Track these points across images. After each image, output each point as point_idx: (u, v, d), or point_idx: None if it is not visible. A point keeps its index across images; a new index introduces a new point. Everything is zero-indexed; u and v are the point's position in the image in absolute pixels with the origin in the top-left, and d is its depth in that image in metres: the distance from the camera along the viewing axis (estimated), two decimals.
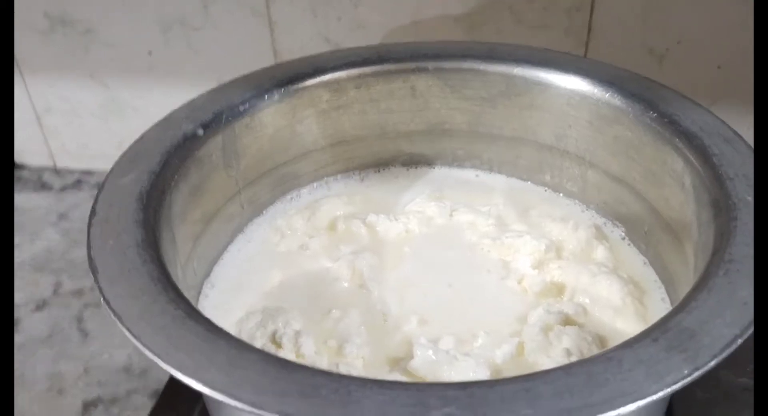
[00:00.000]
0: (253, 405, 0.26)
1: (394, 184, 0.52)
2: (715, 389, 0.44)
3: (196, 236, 0.43)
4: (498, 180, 0.52)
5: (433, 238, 0.47)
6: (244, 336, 0.40)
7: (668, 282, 0.42)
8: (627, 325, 0.41)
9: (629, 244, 0.46)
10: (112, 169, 0.39)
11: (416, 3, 0.61)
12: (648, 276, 0.44)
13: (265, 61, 0.67)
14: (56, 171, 0.79)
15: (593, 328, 0.40)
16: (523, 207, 0.49)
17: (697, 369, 0.27)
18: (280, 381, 0.27)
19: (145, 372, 0.56)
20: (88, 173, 0.79)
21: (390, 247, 0.47)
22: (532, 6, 0.60)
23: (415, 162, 0.53)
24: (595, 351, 0.39)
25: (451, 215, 0.49)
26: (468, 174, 0.52)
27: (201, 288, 0.44)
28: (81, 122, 0.75)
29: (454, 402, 0.26)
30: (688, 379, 0.27)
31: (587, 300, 0.42)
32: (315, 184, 0.51)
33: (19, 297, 0.64)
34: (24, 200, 0.76)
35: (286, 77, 0.46)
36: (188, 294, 0.40)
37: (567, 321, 0.41)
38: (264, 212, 0.49)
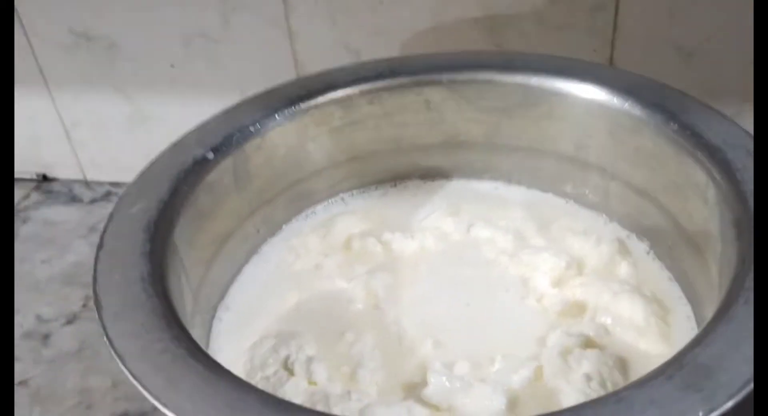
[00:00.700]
0: None
1: (410, 199, 0.51)
2: None
3: (209, 260, 0.42)
4: (517, 192, 0.50)
5: (449, 255, 0.46)
6: (257, 362, 0.40)
7: (694, 299, 0.41)
8: (650, 346, 0.39)
9: (654, 259, 0.44)
10: (121, 198, 0.39)
11: (435, 7, 0.60)
12: (673, 293, 0.42)
13: (286, 71, 0.66)
14: (86, 183, 0.80)
15: (615, 350, 0.39)
16: (543, 220, 0.48)
17: (713, 410, 0.26)
18: None
19: None
20: (117, 185, 0.79)
21: (406, 265, 0.46)
22: (554, 6, 0.58)
23: (432, 175, 0.52)
24: (617, 375, 0.38)
25: (468, 231, 0.47)
26: (486, 186, 0.51)
27: (216, 311, 0.44)
28: (108, 135, 0.76)
29: None
30: None
31: (609, 320, 0.40)
32: (331, 201, 0.51)
33: (49, 311, 0.65)
34: (54, 213, 0.77)
35: (297, 95, 0.46)
36: (201, 318, 0.40)
37: (588, 343, 0.40)
38: (280, 231, 0.49)
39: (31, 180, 0.81)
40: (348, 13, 0.61)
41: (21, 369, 0.59)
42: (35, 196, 0.80)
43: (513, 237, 0.46)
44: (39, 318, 0.64)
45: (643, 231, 0.45)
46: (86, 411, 0.56)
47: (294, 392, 0.38)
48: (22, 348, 0.61)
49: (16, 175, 0.81)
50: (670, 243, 0.43)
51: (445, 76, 0.47)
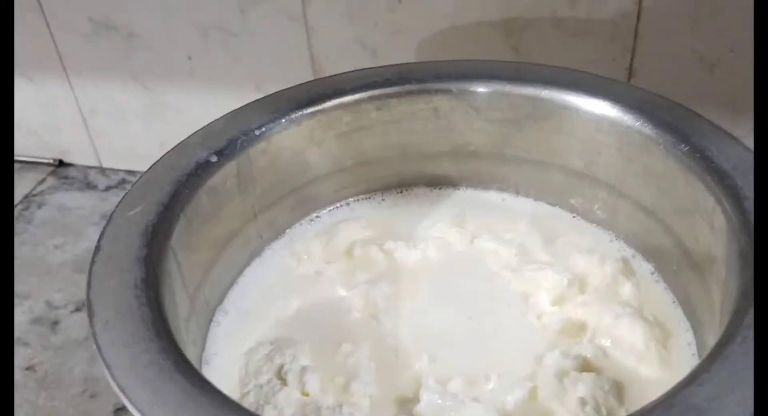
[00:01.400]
0: None
1: (416, 206, 0.50)
2: None
3: (209, 263, 0.42)
4: (524, 204, 0.50)
5: (452, 267, 0.46)
6: (251, 369, 0.40)
7: (696, 325, 0.40)
8: (649, 372, 0.39)
9: (658, 281, 0.44)
10: (121, 201, 0.39)
11: (454, 8, 0.59)
12: (676, 317, 0.41)
13: (302, 66, 0.66)
14: (102, 170, 0.81)
15: (612, 374, 0.38)
16: (548, 234, 0.47)
17: None
18: None
19: None
20: (133, 173, 0.80)
21: (407, 275, 0.45)
22: (575, 11, 0.57)
23: (440, 183, 0.51)
24: (612, 400, 0.37)
25: (472, 242, 0.47)
26: (493, 197, 0.50)
27: (214, 314, 0.44)
28: (125, 123, 0.76)
29: None
30: None
31: (608, 343, 0.40)
32: (336, 206, 0.51)
33: (59, 298, 0.66)
34: (69, 199, 0.78)
35: (305, 99, 0.45)
36: (198, 321, 0.40)
37: (585, 365, 0.39)
38: (283, 235, 0.49)
39: (48, 164, 0.82)
40: (366, 11, 0.61)
41: (29, 354, 0.60)
42: (51, 181, 0.80)
43: (517, 251, 0.46)
44: (49, 304, 0.65)
45: (648, 252, 0.45)
46: (90, 400, 0.57)
47: (285, 402, 0.38)
48: (31, 333, 0.62)
49: (33, 159, 0.82)
50: (675, 266, 0.42)
51: (455, 85, 0.46)
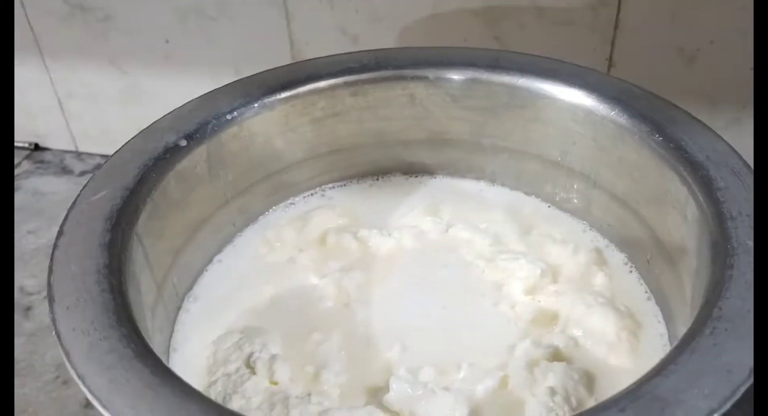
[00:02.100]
0: None
1: (391, 194, 0.50)
2: None
3: (177, 250, 0.42)
4: (500, 193, 0.49)
5: (426, 255, 0.45)
6: (220, 357, 0.39)
7: (668, 315, 0.40)
8: (619, 362, 0.38)
9: (631, 271, 0.43)
10: (86, 185, 0.38)
11: None
12: (647, 308, 0.41)
13: (282, 51, 0.65)
14: (78, 155, 0.80)
15: (583, 364, 0.38)
16: (523, 224, 0.47)
17: None
18: None
19: None
20: (106, 160, 0.79)
21: (380, 264, 0.45)
22: (555, 1, 0.56)
23: (416, 171, 0.51)
24: (582, 390, 0.37)
25: (447, 231, 0.47)
26: (469, 185, 0.50)
27: (183, 301, 0.43)
28: (101, 107, 0.75)
29: None
30: None
31: (580, 333, 0.40)
32: (310, 193, 0.50)
33: (32, 284, 0.65)
34: (44, 184, 0.77)
35: (278, 84, 0.45)
36: (166, 308, 0.40)
37: (556, 355, 0.39)
38: (256, 221, 0.48)
39: (23, 148, 0.81)
40: None
41: None
42: (26, 165, 0.79)
43: (492, 241, 0.45)
44: (22, 291, 0.64)
45: (622, 242, 0.44)
46: (63, 387, 0.56)
47: (254, 391, 0.37)
48: None
49: None
50: (648, 256, 0.42)
51: (432, 72, 0.45)
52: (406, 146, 0.49)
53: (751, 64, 0.55)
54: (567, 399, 0.36)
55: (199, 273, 0.45)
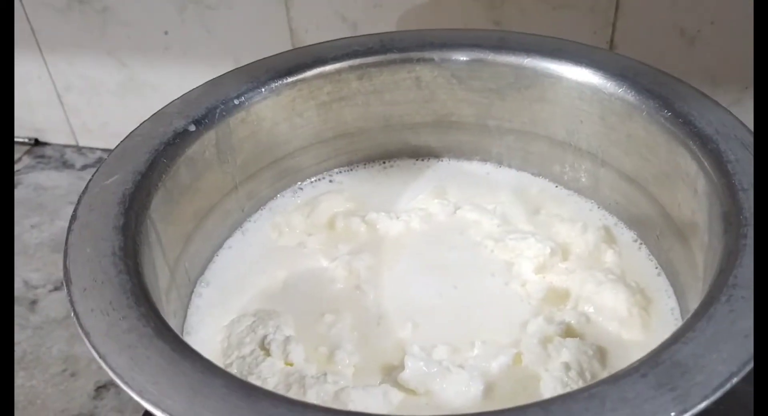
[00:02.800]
0: None
1: (398, 178, 0.50)
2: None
3: (188, 235, 0.42)
4: (507, 174, 0.49)
5: (434, 237, 0.46)
6: (234, 340, 0.39)
7: (679, 291, 0.40)
8: (631, 337, 0.39)
9: (641, 248, 0.44)
10: (97, 170, 0.38)
11: None
12: (658, 284, 0.41)
13: (281, 40, 0.65)
14: (78, 149, 0.80)
15: (595, 340, 0.39)
16: (531, 205, 0.47)
17: (685, 411, 0.25)
18: (242, 411, 0.26)
19: None
20: (109, 152, 0.78)
21: (389, 246, 0.45)
22: None
23: (422, 154, 0.51)
24: (596, 365, 0.37)
25: (454, 213, 0.47)
26: (476, 168, 0.50)
27: (195, 286, 0.43)
28: (101, 100, 0.75)
29: None
30: None
31: (591, 310, 0.40)
32: (318, 178, 0.50)
33: (36, 277, 0.65)
34: (46, 178, 0.76)
35: (284, 69, 0.45)
36: (179, 293, 0.40)
37: (568, 331, 0.39)
38: (264, 207, 0.48)
39: (23, 144, 0.81)
40: None
41: None
42: (27, 161, 0.79)
43: (500, 221, 0.46)
44: (26, 284, 0.64)
45: (631, 220, 0.45)
46: (71, 379, 0.56)
47: (269, 372, 0.37)
48: None
49: None
50: (657, 232, 0.42)
51: (437, 54, 0.45)
52: (412, 129, 0.49)
53: (752, 45, 0.55)
54: (581, 374, 0.36)
55: (210, 258, 0.45)
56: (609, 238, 0.44)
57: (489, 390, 0.37)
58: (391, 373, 0.38)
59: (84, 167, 0.77)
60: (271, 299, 0.42)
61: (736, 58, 0.56)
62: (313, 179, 0.50)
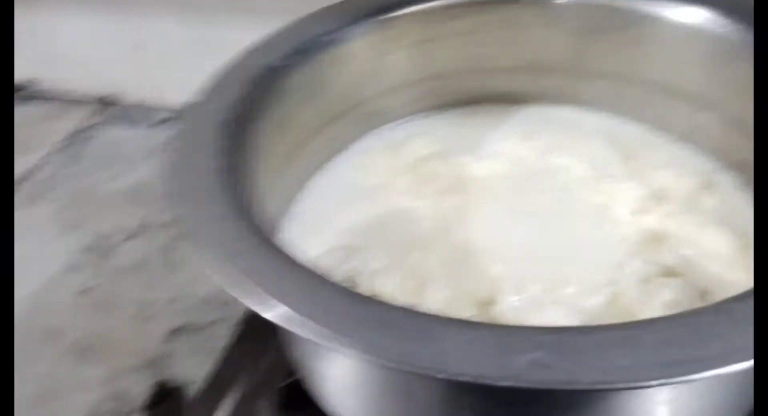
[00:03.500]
0: (325, 337, 0.25)
1: (486, 122, 0.49)
2: None
3: (277, 169, 0.41)
4: (599, 120, 0.48)
5: (523, 180, 0.45)
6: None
7: None
8: (736, 278, 0.37)
9: (743, 193, 0.42)
10: (196, 98, 0.38)
11: None
12: None
13: None
14: (150, 107, 0.80)
15: (698, 280, 0.37)
16: (624, 150, 0.45)
17: None
18: (358, 315, 0.26)
19: (227, 303, 0.56)
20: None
21: (476, 189, 0.44)
22: None
23: (512, 100, 0.50)
24: (699, 305, 0.36)
25: (543, 157, 0.46)
26: (567, 113, 0.49)
27: (280, 221, 0.43)
28: (174, 59, 0.75)
29: (544, 347, 0.24)
30: None
31: (692, 252, 0.39)
32: (403, 120, 0.49)
33: (110, 227, 0.65)
34: (117, 135, 0.77)
35: (375, 7, 0.44)
36: (265, 226, 0.39)
37: (669, 272, 0.38)
38: (348, 148, 0.48)
39: (94, 101, 0.82)
40: None
41: (81, 280, 0.60)
42: (98, 118, 0.80)
43: (591, 166, 0.44)
44: (98, 234, 0.65)
45: (733, 164, 0.43)
46: (143, 322, 0.57)
47: None
48: (82, 260, 0.62)
49: (80, 97, 0.81)
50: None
51: None
52: (502, 72, 0.48)
53: None
54: None
55: (294, 196, 0.45)
56: (709, 183, 0.43)
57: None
58: (484, 308, 0.37)
59: (157, 123, 0.78)
60: (358, 235, 0.42)
61: None
62: (399, 121, 0.49)
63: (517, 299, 0.36)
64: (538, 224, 0.42)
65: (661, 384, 0.23)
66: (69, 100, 0.81)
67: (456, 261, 0.40)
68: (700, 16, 0.41)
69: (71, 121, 0.79)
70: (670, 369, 0.23)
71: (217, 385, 0.45)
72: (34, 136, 0.77)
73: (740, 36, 0.39)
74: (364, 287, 0.38)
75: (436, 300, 0.38)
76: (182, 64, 0.75)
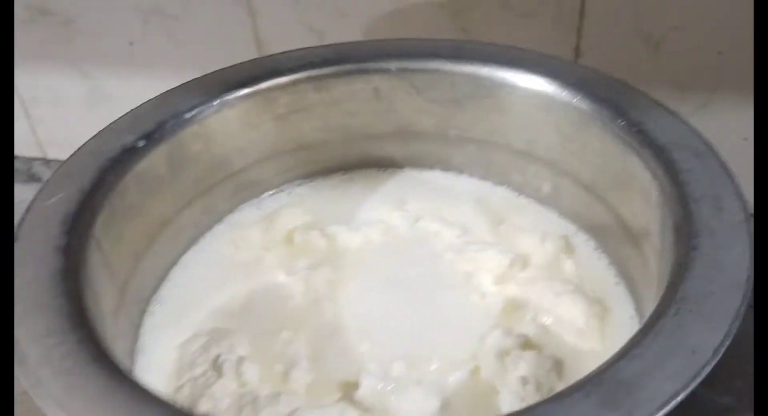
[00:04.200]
0: None
1: (359, 190, 0.49)
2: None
3: (139, 253, 0.41)
4: (468, 184, 0.49)
5: (394, 250, 0.45)
6: (186, 361, 0.39)
7: (638, 301, 0.40)
8: (589, 347, 0.38)
9: (600, 257, 0.43)
10: (41, 189, 0.37)
11: None
12: (617, 292, 0.41)
13: (247, 50, 0.64)
14: (46, 162, 0.78)
15: (553, 352, 0.38)
16: (492, 215, 0.46)
17: None
18: None
19: None
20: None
21: (349, 260, 0.44)
22: None
23: (383, 165, 0.50)
24: (553, 378, 0.37)
25: (415, 224, 0.46)
26: (437, 177, 0.49)
27: (148, 304, 0.42)
28: (67, 112, 0.74)
29: None
30: None
31: (550, 321, 0.39)
32: (276, 191, 0.49)
33: None
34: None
35: (238, 80, 0.44)
36: (129, 311, 0.39)
37: (526, 344, 0.38)
38: (221, 222, 0.47)
39: None
40: None
41: None
42: None
43: (461, 232, 0.45)
44: None
45: (590, 229, 0.44)
46: None
47: (221, 394, 0.37)
48: None
49: None
50: (615, 241, 0.42)
51: (394, 64, 0.45)
52: (372, 140, 0.48)
53: (717, 49, 0.55)
54: (539, 388, 0.36)
55: (164, 275, 0.44)
56: (568, 248, 0.44)
57: (446, 405, 0.36)
58: (348, 391, 0.37)
59: None
60: (227, 317, 0.42)
61: (702, 63, 0.56)
62: (271, 192, 0.49)
63: (378, 382, 0.36)
64: (405, 297, 0.42)
65: None
66: None
67: (324, 340, 0.40)
68: (551, 87, 0.42)
69: None
70: None
71: None
72: None
73: (587, 106, 0.41)
74: (229, 377, 0.37)
75: (300, 386, 0.37)
76: (75, 117, 0.74)
